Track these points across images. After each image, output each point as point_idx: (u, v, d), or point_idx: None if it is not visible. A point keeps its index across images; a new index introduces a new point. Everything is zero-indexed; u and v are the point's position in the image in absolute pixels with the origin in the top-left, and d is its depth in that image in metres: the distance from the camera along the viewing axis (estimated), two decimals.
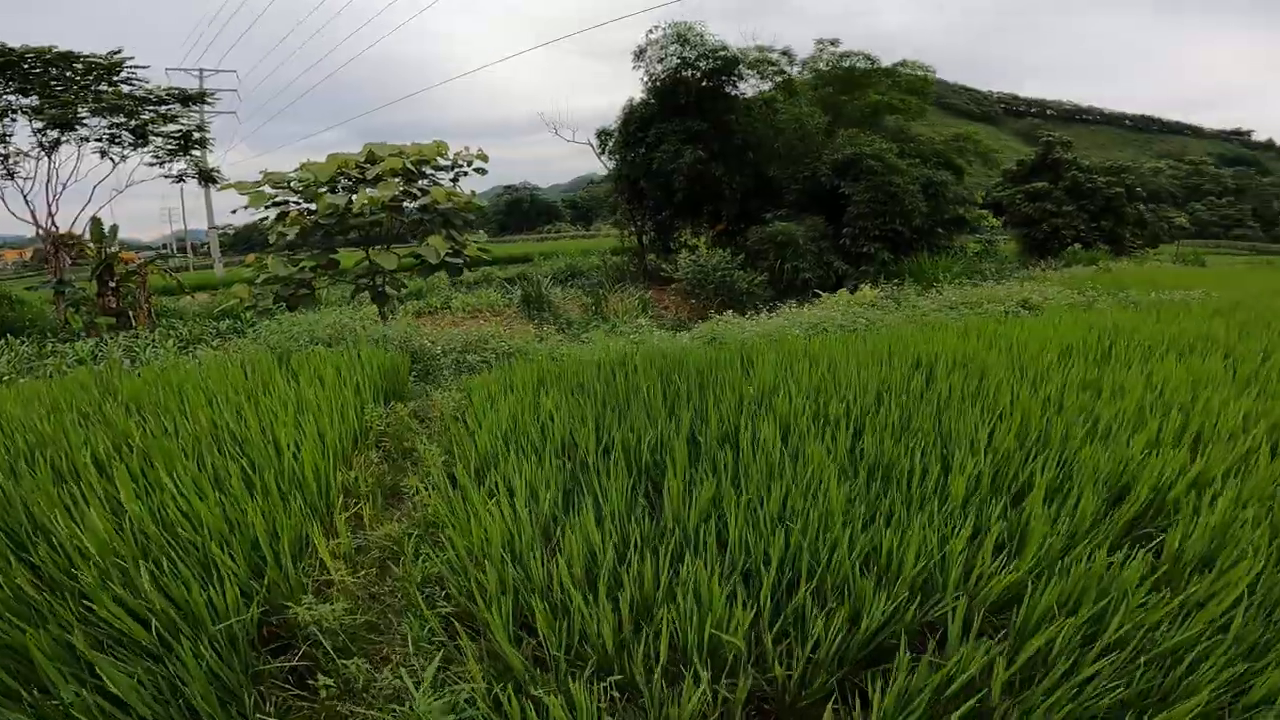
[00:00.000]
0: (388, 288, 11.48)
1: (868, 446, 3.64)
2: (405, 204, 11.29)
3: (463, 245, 11.40)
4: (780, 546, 2.66)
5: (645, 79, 18.63)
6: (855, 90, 18.83)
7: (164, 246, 50.19)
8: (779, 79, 18.53)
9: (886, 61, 18.71)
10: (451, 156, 11.86)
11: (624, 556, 2.58)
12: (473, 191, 11.66)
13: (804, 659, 2.17)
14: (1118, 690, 2.06)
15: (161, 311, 13.14)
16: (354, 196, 9.97)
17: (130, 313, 10.44)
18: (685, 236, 22.02)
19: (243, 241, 57.83)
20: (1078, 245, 32.58)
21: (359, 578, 2.62)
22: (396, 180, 10.27)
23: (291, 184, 10.40)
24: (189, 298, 16.05)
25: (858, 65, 18.72)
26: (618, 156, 19.93)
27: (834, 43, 19.52)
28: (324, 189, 10.11)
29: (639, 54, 18.42)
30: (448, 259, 10.71)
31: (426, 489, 3.48)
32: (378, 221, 10.67)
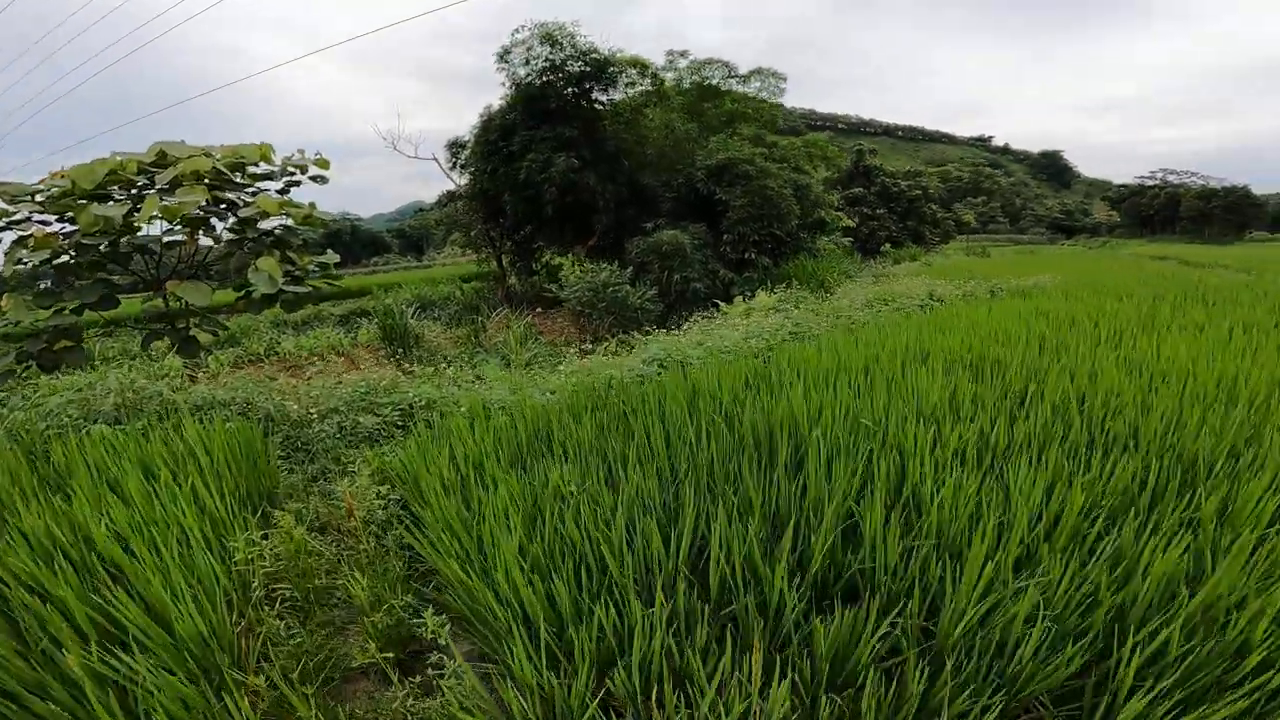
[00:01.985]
0: (198, 331, 8.63)
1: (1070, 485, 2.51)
2: (215, 221, 8.56)
3: (304, 271, 8.90)
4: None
5: (507, 84, 16.92)
6: (714, 98, 18.70)
7: None
8: (649, 84, 17.77)
9: (742, 69, 18.84)
10: (279, 162, 9.27)
11: None
12: (312, 204, 9.18)
13: None
14: None
15: None
16: (139, 209, 7.18)
17: None
18: (547, 256, 20.45)
19: None
20: (888, 245, 36.28)
21: None
22: (203, 187, 7.61)
23: (35, 196, 7.31)
24: None
25: (713, 77, 18.59)
26: (473, 170, 17.81)
27: (684, 54, 19.29)
28: (87, 201, 7.19)
29: (503, 55, 16.64)
30: (286, 288, 8.21)
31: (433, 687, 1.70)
32: (175, 242, 7.91)
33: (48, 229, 7.07)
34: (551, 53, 15.89)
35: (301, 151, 9.67)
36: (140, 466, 2.88)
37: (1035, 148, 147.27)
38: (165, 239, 7.36)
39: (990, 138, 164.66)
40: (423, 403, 4.64)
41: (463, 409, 4.57)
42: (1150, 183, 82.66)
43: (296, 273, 8.77)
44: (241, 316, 15.90)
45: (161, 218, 6.71)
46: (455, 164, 18.67)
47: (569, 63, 15.89)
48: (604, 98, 17.24)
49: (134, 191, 7.58)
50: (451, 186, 21.03)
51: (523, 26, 16.20)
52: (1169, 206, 77.93)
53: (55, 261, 6.76)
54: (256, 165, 9.15)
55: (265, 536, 2.53)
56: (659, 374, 5.52)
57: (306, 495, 3.44)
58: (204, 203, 7.83)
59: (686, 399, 3.88)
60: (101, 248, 7.17)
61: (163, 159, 7.94)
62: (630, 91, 17.64)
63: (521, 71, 16.37)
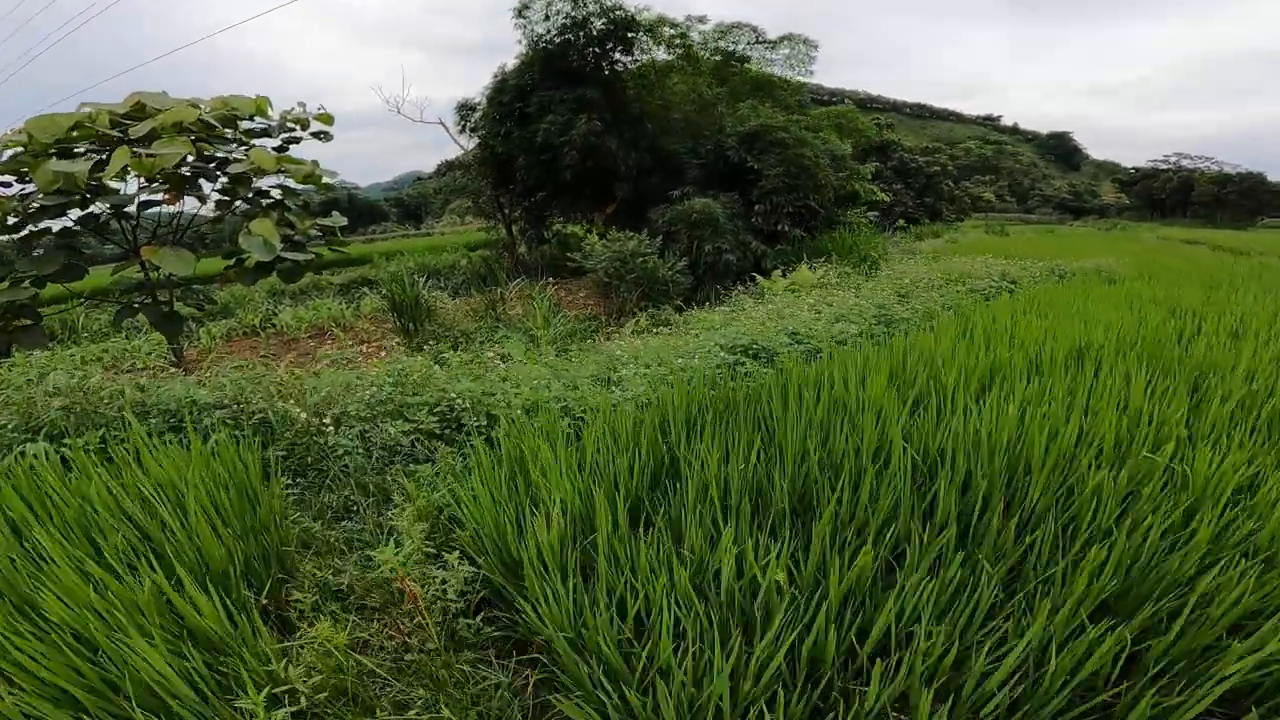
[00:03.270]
0: (180, 304, 7.59)
1: None
2: (203, 181, 7.44)
3: (305, 236, 7.83)
4: None
5: (524, 41, 15.64)
6: (739, 64, 17.43)
7: None
8: (675, 46, 16.48)
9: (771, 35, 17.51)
10: (277, 117, 8.12)
11: None
12: (314, 162, 8.07)
13: None
14: None
15: None
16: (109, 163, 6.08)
17: None
18: (558, 224, 19.27)
19: None
20: (903, 221, 35.00)
21: None
22: (186, 139, 6.49)
23: None
24: None
25: (738, 43, 17.29)
26: (484, 133, 16.56)
27: (702, 19, 17.88)
28: (48, 155, 6.08)
29: (520, 10, 15.28)
30: (284, 255, 7.14)
31: None
32: (154, 203, 6.82)
33: (4, 191, 6.00)
34: (573, 9, 14.60)
35: (302, 105, 8.51)
36: (79, 527, 1.90)
37: (1044, 128, 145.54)
38: (142, 199, 6.29)
39: (999, 117, 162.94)
40: (465, 404, 3.64)
41: (518, 410, 3.58)
42: (1164, 166, 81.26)
43: (296, 238, 7.69)
44: (234, 285, 14.75)
45: (135, 173, 5.63)
46: (464, 127, 17.42)
47: (591, 20, 14.61)
48: (626, 59, 15.98)
49: (102, 147, 6.45)
50: (456, 154, 19.74)
51: None
52: (1181, 190, 76.67)
53: (10, 223, 5.69)
54: (251, 120, 8.02)
55: (288, 647, 1.57)
56: (746, 365, 4.54)
57: (328, 547, 2.47)
58: (188, 158, 6.74)
59: (829, 411, 2.91)
60: (71, 213, 6.10)
61: (140, 111, 6.80)
62: (654, 54, 16.39)
63: (540, 28, 15.07)
